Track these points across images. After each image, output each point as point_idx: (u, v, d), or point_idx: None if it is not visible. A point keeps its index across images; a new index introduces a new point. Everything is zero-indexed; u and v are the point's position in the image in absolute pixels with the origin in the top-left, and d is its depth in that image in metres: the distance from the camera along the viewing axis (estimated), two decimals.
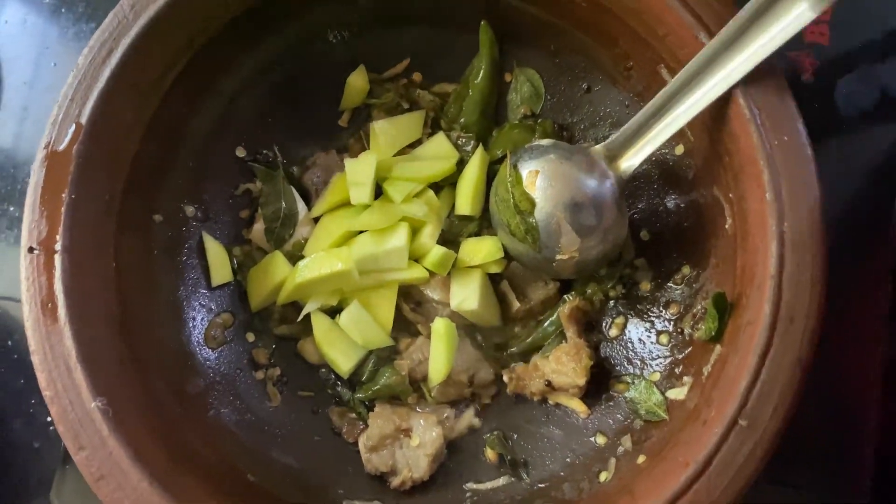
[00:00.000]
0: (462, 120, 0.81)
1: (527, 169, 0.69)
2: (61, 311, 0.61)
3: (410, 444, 0.73)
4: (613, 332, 0.77)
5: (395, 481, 0.73)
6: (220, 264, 0.77)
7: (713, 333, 0.65)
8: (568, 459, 0.72)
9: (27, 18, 1.00)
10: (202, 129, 0.76)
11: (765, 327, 0.58)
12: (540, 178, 0.68)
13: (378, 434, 0.74)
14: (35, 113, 0.97)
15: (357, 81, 0.81)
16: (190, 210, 0.77)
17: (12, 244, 0.94)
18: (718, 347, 0.64)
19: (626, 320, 0.77)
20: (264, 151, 0.81)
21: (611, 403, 0.74)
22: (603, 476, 0.69)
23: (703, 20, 0.63)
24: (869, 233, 0.80)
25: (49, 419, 0.89)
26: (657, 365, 0.72)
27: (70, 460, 0.84)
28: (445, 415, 0.74)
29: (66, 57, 0.99)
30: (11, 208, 0.95)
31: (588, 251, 0.69)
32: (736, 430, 0.58)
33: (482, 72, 0.80)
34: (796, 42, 0.85)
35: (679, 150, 0.73)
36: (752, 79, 0.62)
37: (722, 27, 0.62)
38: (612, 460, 0.69)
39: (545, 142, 0.73)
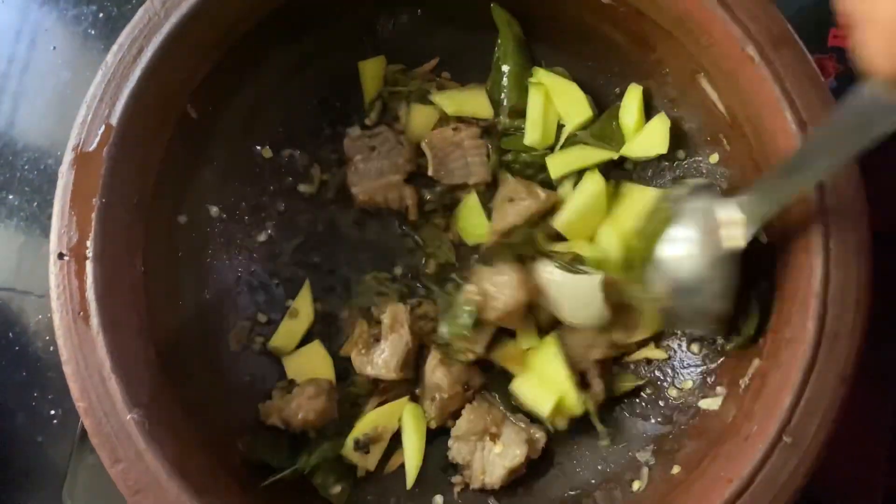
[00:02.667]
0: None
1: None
2: (94, 320, 0.60)
3: (493, 449, 0.72)
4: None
5: (460, 478, 0.74)
6: None
7: (752, 333, 0.65)
8: (599, 467, 0.73)
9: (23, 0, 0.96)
10: (230, 130, 0.74)
11: (809, 345, 0.59)
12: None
13: (466, 427, 0.73)
14: (33, 98, 0.94)
15: (369, 69, 0.79)
16: (214, 210, 0.75)
17: (12, 233, 0.92)
18: (757, 361, 0.64)
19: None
20: (290, 152, 0.79)
21: None
22: (636, 485, 0.69)
23: (750, 32, 0.62)
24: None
25: (53, 413, 0.87)
26: (689, 373, 0.73)
27: (82, 458, 0.83)
28: (537, 435, 0.73)
29: (65, 40, 0.95)
30: (10, 196, 0.92)
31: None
32: (780, 447, 0.58)
33: (509, 52, 0.78)
34: (820, 46, 0.85)
35: (714, 158, 0.73)
36: (798, 92, 0.62)
37: (768, 39, 0.62)
38: (645, 469, 0.70)
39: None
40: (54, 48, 0.95)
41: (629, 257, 0.71)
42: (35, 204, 0.92)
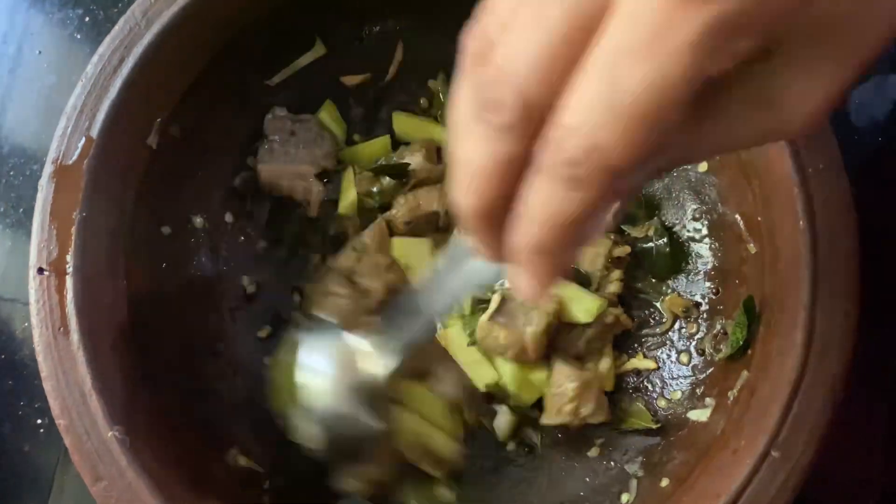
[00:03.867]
0: None
1: None
2: (74, 336, 0.59)
3: None
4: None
5: None
6: None
7: (741, 343, 0.65)
8: (587, 479, 0.72)
9: (9, 2, 0.95)
10: (213, 139, 0.73)
11: (797, 357, 0.58)
12: None
13: None
14: (18, 102, 0.94)
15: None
16: (198, 221, 0.74)
17: None
18: (745, 373, 0.64)
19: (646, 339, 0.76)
20: None
21: None
22: (624, 498, 0.68)
23: None
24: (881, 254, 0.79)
25: (39, 422, 0.87)
26: (678, 384, 0.72)
27: (68, 468, 0.82)
28: None
29: (51, 44, 0.95)
30: None
31: None
32: (768, 462, 0.57)
33: None
34: None
35: (703, 167, 0.72)
36: None
37: None
38: (633, 482, 0.69)
39: None
40: (39, 52, 0.94)
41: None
42: (21, 210, 0.91)
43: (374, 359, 0.62)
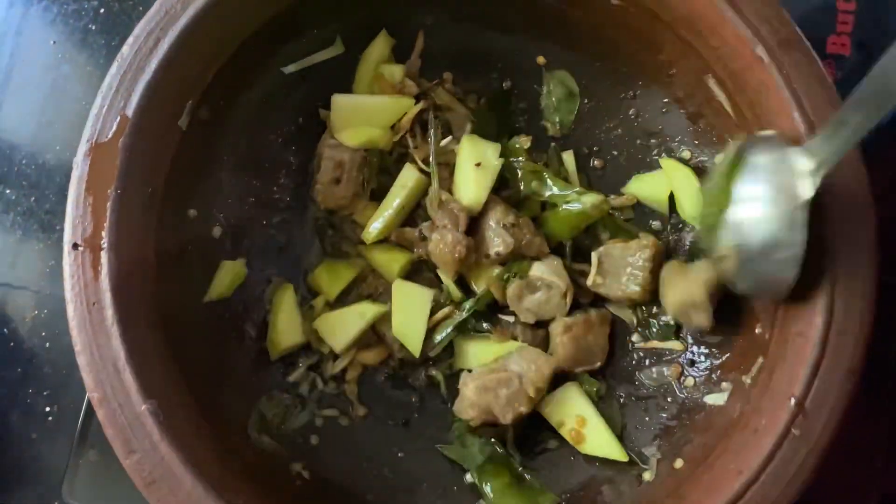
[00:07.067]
0: None
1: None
2: (108, 311, 0.60)
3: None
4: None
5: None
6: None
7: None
8: (606, 461, 0.73)
9: None
10: (242, 123, 0.74)
11: (817, 340, 0.60)
12: None
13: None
14: (32, 92, 0.94)
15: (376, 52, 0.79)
16: (222, 207, 0.75)
17: (8, 228, 0.91)
18: (761, 358, 0.65)
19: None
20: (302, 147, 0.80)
21: None
22: (643, 479, 0.70)
23: (759, 34, 0.64)
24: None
25: (48, 409, 0.87)
26: (694, 370, 0.74)
27: (82, 454, 0.82)
28: None
29: (65, 35, 0.95)
30: (8, 191, 0.92)
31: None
32: (789, 440, 0.59)
33: None
34: (819, 54, 0.86)
35: (720, 158, 0.74)
36: (806, 93, 0.63)
37: (777, 40, 0.63)
38: (652, 463, 0.70)
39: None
40: (54, 42, 0.95)
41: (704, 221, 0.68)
42: (32, 199, 0.91)
43: (808, 176, 0.58)
